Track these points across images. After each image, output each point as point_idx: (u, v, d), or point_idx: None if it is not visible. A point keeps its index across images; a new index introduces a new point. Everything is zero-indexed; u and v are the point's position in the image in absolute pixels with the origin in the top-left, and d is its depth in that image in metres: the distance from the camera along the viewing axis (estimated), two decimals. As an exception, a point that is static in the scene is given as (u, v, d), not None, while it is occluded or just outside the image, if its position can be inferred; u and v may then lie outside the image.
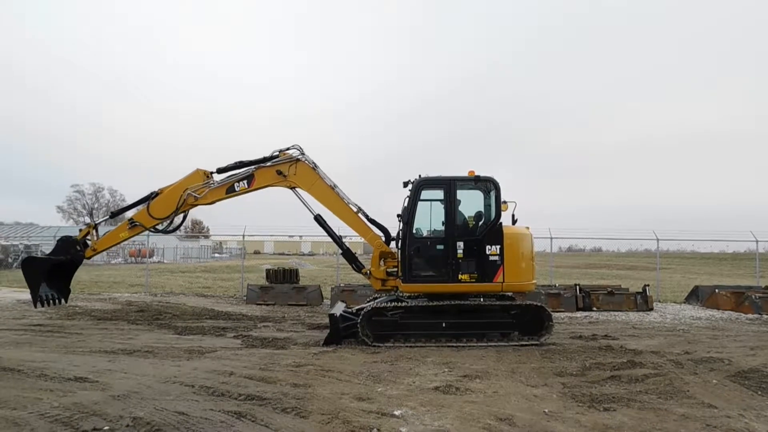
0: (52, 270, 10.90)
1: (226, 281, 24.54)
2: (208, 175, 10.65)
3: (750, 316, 13.70)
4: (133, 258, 48.29)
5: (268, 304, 15.06)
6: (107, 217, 12.14)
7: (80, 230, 11.30)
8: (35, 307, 10.80)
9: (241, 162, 10.31)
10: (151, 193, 10.69)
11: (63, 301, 11.38)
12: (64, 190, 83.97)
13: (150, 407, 4.95)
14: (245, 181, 10.29)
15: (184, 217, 10.95)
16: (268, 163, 10.17)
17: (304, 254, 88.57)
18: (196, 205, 10.62)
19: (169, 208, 10.51)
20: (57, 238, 11.30)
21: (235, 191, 10.37)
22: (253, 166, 10.24)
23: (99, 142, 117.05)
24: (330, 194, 9.96)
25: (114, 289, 19.49)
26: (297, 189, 10.19)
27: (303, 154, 10.06)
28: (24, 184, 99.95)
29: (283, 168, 10.04)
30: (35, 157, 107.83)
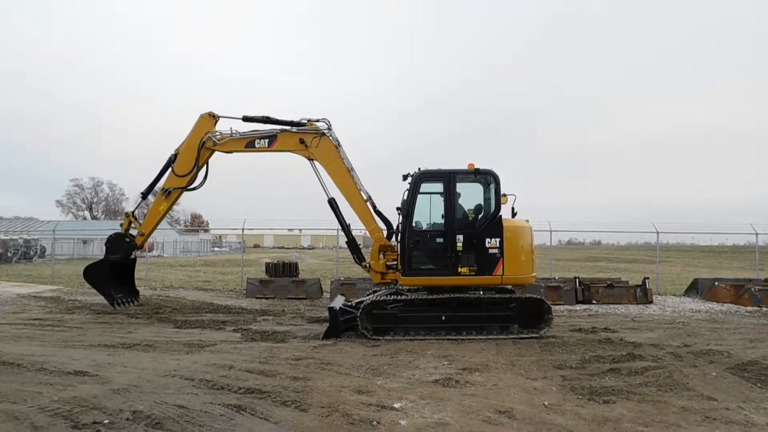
0: (114, 271, 11.10)
1: (226, 275, 24.55)
2: (214, 116, 10.69)
3: (749, 308, 13.70)
4: (132, 252, 48.21)
5: (267, 298, 15.07)
6: (139, 200, 12.22)
7: (121, 225, 11.47)
8: (114, 307, 11.11)
9: (268, 117, 10.33)
10: (171, 157, 10.83)
11: (135, 301, 11.60)
12: (64, 185, 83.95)
13: (150, 401, 4.95)
14: (266, 140, 10.34)
15: (207, 170, 11.00)
16: (294, 129, 10.18)
17: (303, 248, 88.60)
18: (215, 150, 10.66)
19: (191, 161, 10.59)
20: (105, 242, 11.51)
21: (255, 147, 10.43)
22: (278, 127, 10.28)
23: (98, 137, 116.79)
24: (346, 176, 9.96)
25: (114, 283, 19.45)
26: (315, 163, 10.18)
27: (330, 129, 10.11)
28: (23, 179, 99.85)
29: (306, 138, 10.05)
30: (34, 152, 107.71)
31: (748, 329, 10.15)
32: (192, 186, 11.02)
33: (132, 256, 11.85)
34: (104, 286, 11.10)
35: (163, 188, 11.05)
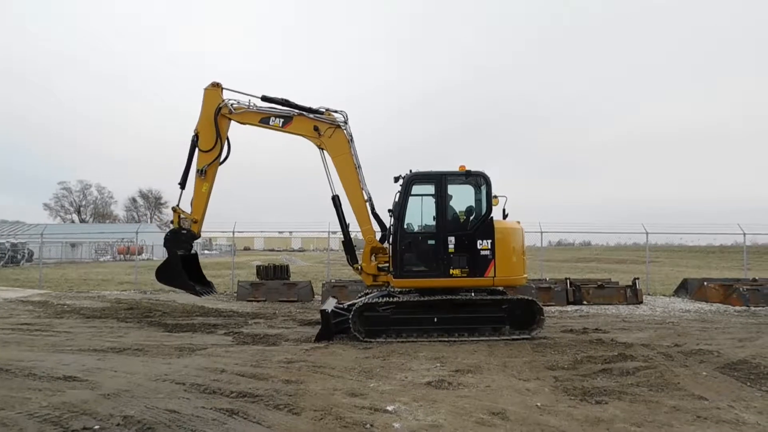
0: (184, 266, 11.12)
1: (216, 278, 24.24)
2: (218, 84, 10.74)
3: (738, 308, 13.85)
4: (122, 255, 47.90)
5: (258, 301, 15.01)
6: (181, 189, 12.11)
7: (171, 222, 11.50)
8: (200, 297, 11.15)
9: (287, 100, 10.37)
10: (193, 139, 10.88)
11: (214, 291, 11.78)
12: (51, 188, 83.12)
13: (141, 405, 4.90)
14: (282, 120, 10.36)
15: (228, 143, 10.94)
16: (311, 115, 10.21)
17: (294, 250, 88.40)
18: (230, 119, 10.65)
19: (213, 133, 10.64)
20: (163, 243, 11.47)
21: (269, 125, 10.44)
22: (296, 110, 10.31)
23: (88, 138, 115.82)
24: (352, 172, 9.95)
25: (103, 287, 19.32)
26: (325, 153, 10.19)
27: (346, 123, 10.12)
28: (10, 181, 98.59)
29: (321, 126, 10.07)
30: (23, 154, 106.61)
31: (737, 329, 10.25)
32: (224, 159, 11.06)
33: (193, 251, 11.85)
34: (183, 280, 11.01)
35: (197, 169, 11.08)
